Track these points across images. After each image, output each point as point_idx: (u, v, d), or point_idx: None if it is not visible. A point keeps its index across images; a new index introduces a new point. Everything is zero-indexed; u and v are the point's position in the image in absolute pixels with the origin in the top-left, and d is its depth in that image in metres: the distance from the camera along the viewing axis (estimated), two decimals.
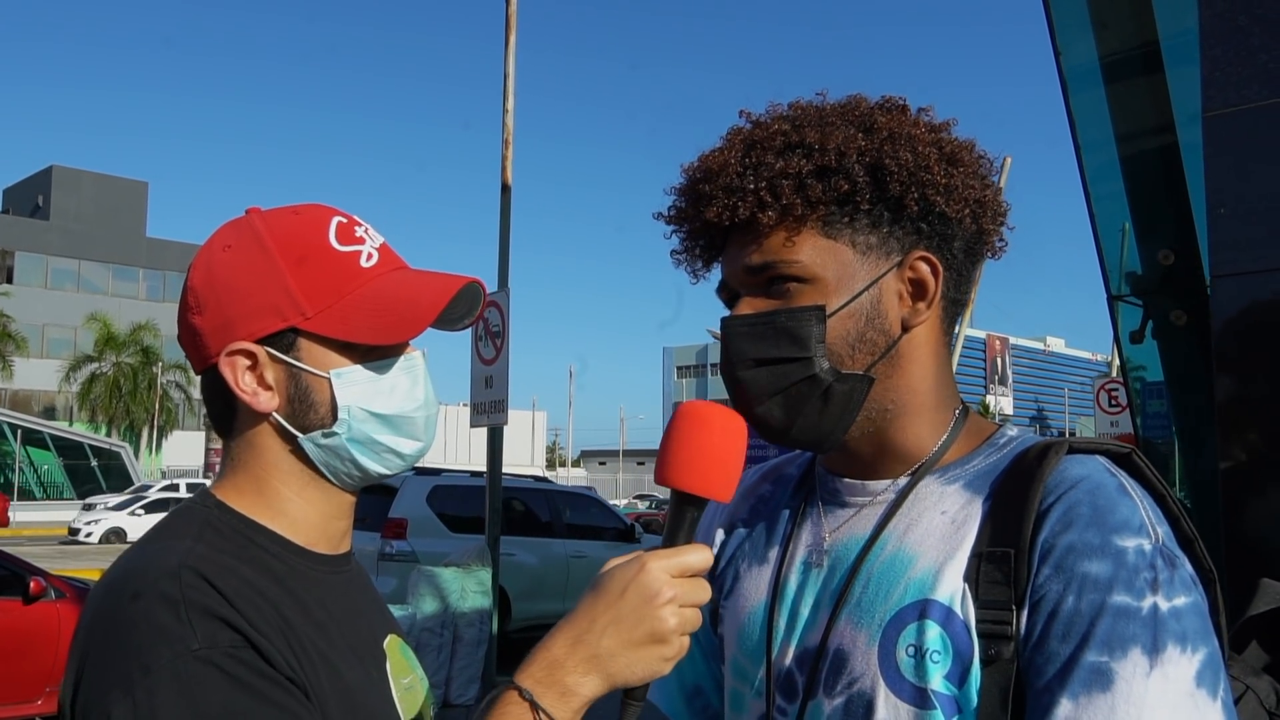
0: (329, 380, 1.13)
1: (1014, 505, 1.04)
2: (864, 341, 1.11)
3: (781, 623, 1.17)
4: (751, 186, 1.12)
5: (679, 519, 1.04)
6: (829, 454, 1.21)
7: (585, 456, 71.02)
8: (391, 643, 1.22)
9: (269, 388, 1.12)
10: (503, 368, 8.54)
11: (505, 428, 8.87)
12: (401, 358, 1.17)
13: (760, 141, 1.14)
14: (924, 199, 1.10)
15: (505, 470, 9.45)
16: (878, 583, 1.10)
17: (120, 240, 50.48)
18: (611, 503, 17.63)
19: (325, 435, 1.13)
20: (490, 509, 8.82)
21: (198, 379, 1.20)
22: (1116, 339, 4.59)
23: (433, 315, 1.13)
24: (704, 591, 1.02)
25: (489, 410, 8.74)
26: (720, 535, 1.33)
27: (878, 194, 1.11)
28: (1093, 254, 4.29)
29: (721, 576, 1.29)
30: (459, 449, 46.71)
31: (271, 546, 1.12)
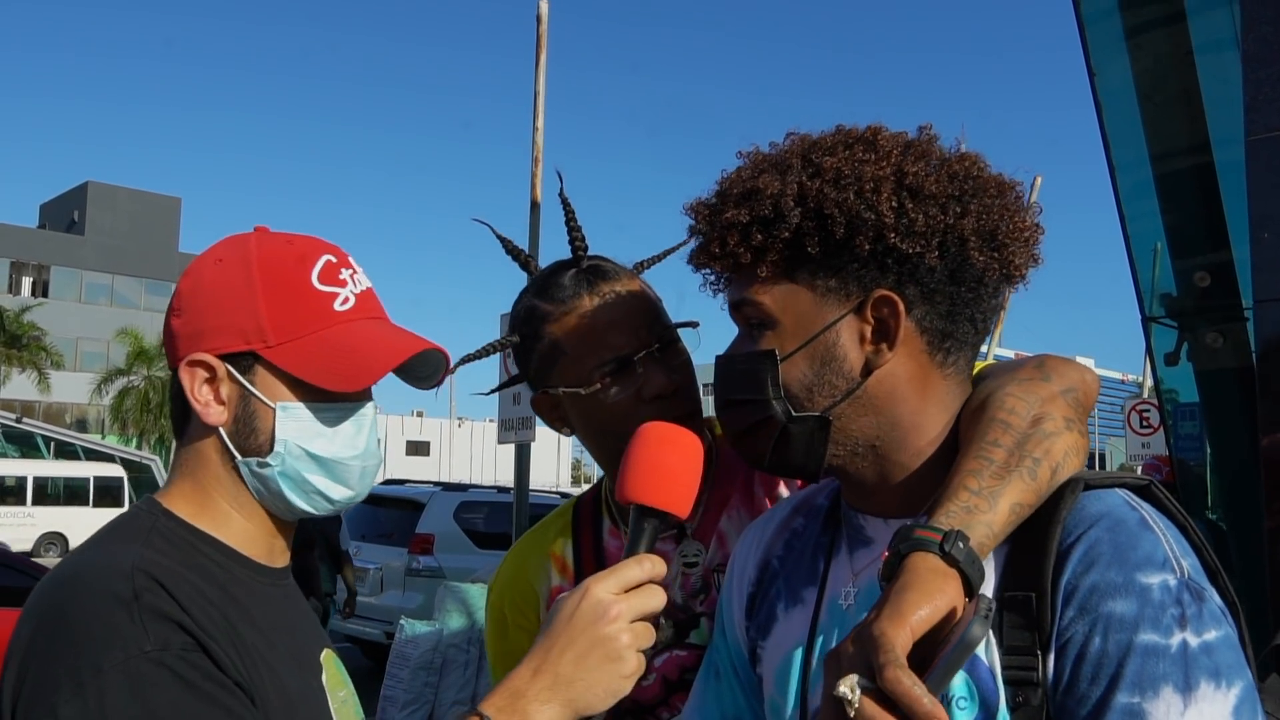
0: (274, 411, 1.15)
1: (1033, 546, 1.02)
2: (822, 384, 1.12)
3: (815, 662, 1.17)
4: (707, 235, 1.17)
5: (638, 532, 1.09)
6: (846, 490, 1.22)
7: None
8: (327, 656, 1.24)
9: (222, 403, 1.15)
10: None
11: (531, 444, 8.87)
12: (350, 405, 1.19)
13: (725, 189, 1.18)
14: (876, 238, 1.08)
15: (531, 487, 9.45)
16: None
17: (153, 255, 50.99)
18: None
19: (259, 464, 1.16)
20: (517, 525, 8.81)
21: None
22: (1151, 361, 4.56)
23: (382, 372, 1.16)
24: (655, 599, 1.06)
25: (517, 427, 8.74)
26: (754, 574, 1.32)
27: (824, 237, 1.10)
28: (1123, 273, 4.26)
29: (759, 616, 1.29)
30: (484, 466, 46.78)
31: (216, 555, 1.14)
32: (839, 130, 1.17)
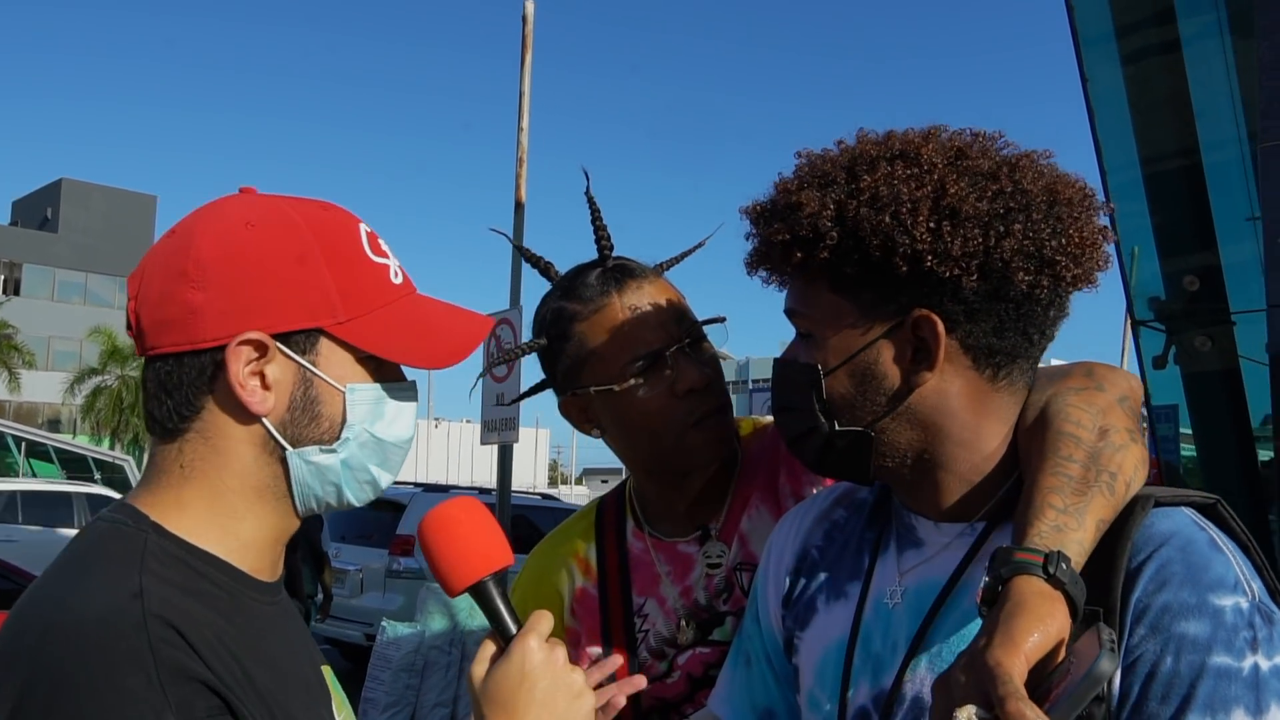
0: (343, 394, 1.04)
1: (1100, 562, 1.02)
2: (864, 400, 1.12)
3: (858, 660, 1.17)
4: (756, 245, 1.18)
5: (493, 603, 1.07)
6: (898, 490, 1.22)
7: (588, 474, 71.00)
8: (325, 673, 1.16)
9: (268, 387, 1.01)
10: (514, 386, 8.52)
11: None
12: (405, 385, 1.11)
13: (775, 199, 1.17)
14: (913, 260, 1.06)
15: (512, 488, 9.42)
16: (959, 634, 1.09)
17: (128, 253, 50.45)
18: None
19: (323, 451, 1.04)
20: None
21: None
22: (1140, 364, 4.61)
23: (473, 347, 1.09)
24: (564, 646, 1.08)
25: (500, 428, 8.72)
26: (792, 562, 1.32)
27: (861, 258, 1.08)
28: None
29: (797, 606, 1.28)
30: (461, 466, 46.66)
31: (217, 576, 1.00)
32: (887, 138, 1.14)
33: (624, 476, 1.70)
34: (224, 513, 1.02)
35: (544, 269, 1.63)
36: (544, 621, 1.06)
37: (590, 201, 1.59)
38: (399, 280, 1.10)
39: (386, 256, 1.10)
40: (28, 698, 0.84)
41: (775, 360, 1.21)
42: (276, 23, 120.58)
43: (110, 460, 39.85)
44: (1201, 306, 4.11)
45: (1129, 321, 4.45)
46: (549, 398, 1.67)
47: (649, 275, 1.55)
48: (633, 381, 1.46)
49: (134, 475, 39.03)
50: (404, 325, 1.06)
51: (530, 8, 9.45)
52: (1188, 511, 1.06)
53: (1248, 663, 0.95)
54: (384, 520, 10.59)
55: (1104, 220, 1.13)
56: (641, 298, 1.50)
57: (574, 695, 1.03)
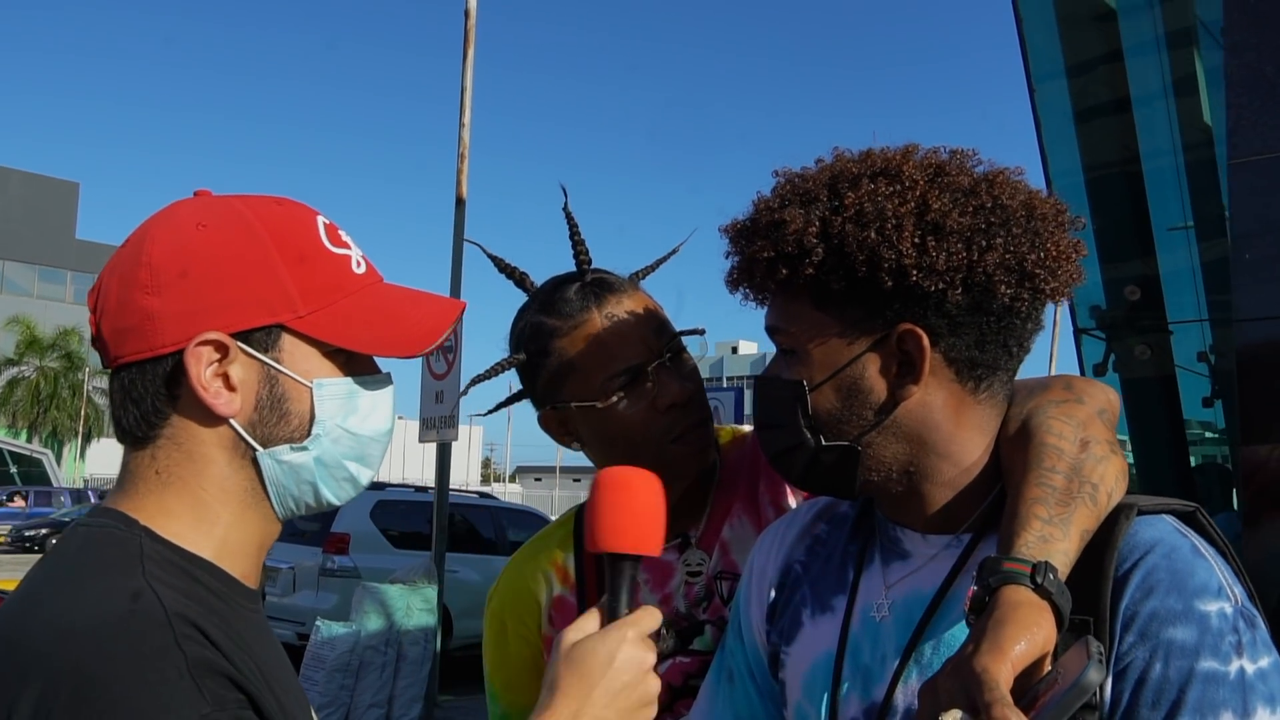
0: (310, 390, 1.02)
1: (1087, 570, 1.03)
2: (850, 414, 1.13)
3: (846, 672, 1.17)
4: (738, 263, 1.18)
5: (620, 580, 1.05)
6: (881, 503, 1.22)
7: (521, 472, 70.60)
8: None
9: (233, 388, 1.00)
10: (454, 383, 8.45)
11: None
12: (378, 377, 1.09)
13: (755, 216, 1.17)
14: (898, 275, 1.07)
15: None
16: (949, 645, 1.10)
17: (48, 241, 49.13)
18: (551, 520, 17.51)
19: (294, 450, 1.02)
20: (437, 525, 8.71)
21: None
22: (1081, 370, 4.73)
23: (443, 331, 1.08)
24: (654, 652, 1.05)
25: (439, 425, 8.63)
26: (775, 577, 1.32)
27: (847, 274, 1.09)
28: None
29: (781, 621, 1.28)
30: (392, 464, 46.17)
31: (211, 583, 0.99)
32: (867, 156, 1.15)
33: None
34: (208, 518, 1.01)
35: (519, 280, 1.62)
36: (650, 618, 1.04)
37: (568, 217, 1.58)
38: (362, 270, 1.09)
39: (348, 247, 1.09)
40: (50, 701, 0.83)
41: (757, 378, 1.21)
42: (207, 14, 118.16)
43: (28, 453, 38.73)
44: (1141, 316, 4.23)
45: (1056, 330, 4.60)
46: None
47: (627, 288, 1.54)
48: (615, 398, 1.46)
49: (52, 469, 38.05)
50: (369, 315, 1.05)
51: (473, 2, 9.37)
52: (1169, 519, 1.08)
53: (1234, 667, 0.97)
54: (318, 517, 10.44)
55: (1075, 234, 1.15)
56: (621, 312, 1.50)
57: (644, 703, 1.02)
